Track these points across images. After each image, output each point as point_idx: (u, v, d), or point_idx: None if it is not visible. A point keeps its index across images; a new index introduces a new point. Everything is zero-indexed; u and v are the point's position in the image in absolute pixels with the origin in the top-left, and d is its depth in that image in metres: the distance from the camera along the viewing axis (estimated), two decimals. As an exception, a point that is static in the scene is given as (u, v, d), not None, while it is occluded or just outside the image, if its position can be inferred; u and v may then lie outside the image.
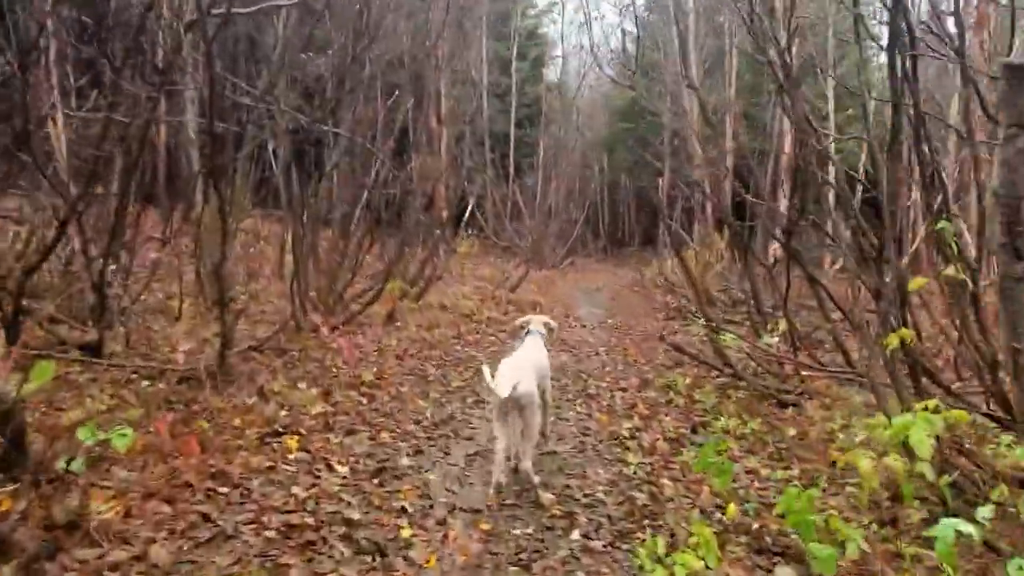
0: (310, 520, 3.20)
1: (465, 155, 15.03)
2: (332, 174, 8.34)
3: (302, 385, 5.48)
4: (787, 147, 12.40)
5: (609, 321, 10.98)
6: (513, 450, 3.82)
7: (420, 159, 11.97)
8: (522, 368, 3.95)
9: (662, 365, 7.27)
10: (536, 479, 3.77)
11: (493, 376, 3.80)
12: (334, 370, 5.94)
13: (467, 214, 16.78)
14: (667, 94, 19.75)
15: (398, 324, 8.36)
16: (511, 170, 24.88)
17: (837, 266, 16.92)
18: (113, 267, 5.86)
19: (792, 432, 4.82)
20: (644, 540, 3.16)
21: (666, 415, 5.35)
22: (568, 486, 3.93)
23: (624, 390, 6.21)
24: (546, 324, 4.84)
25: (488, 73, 24.23)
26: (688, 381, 6.10)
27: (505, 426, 3.77)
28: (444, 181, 13.07)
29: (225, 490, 3.40)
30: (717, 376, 6.53)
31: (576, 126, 26.41)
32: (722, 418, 5.09)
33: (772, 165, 16.90)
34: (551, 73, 32.97)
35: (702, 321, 5.82)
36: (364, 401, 5.37)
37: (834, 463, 4.06)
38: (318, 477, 3.76)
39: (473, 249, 17.72)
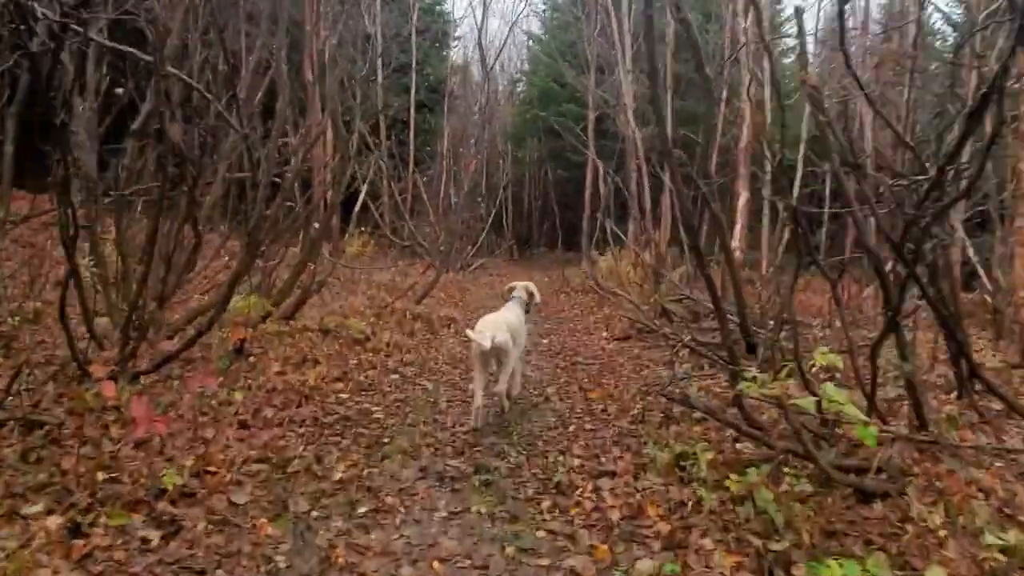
0: None
1: (354, 128, 12.17)
2: (147, 133, 5.64)
3: (35, 508, 2.96)
4: (744, 130, 10.81)
5: (545, 341, 8.84)
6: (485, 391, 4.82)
7: (304, 133, 9.36)
8: (498, 324, 4.91)
9: (644, 419, 5.18)
10: (507, 403, 5.04)
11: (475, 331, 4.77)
12: (109, 467, 3.39)
13: (357, 204, 14.13)
14: (594, 69, 17.88)
15: (253, 359, 5.82)
16: (411, 159, 22.34)
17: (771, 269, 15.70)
18: None
19: None
20: None
21: (702, 535, 3.22)
22: None
23: (612, 475, 4.03)
24: (527, 289, 5.66)
25: (382, 45, 21.58)
26: (710, 456, 4.01)
27: (483, 373, 4.83)
28: (327, 158, 10.39)
29: None
30: (736, 439, 4.53)
31: (480, 110, 24.19)
32: (810, 548, 3.01)
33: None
34: (456, 55, 30.85)
35: (755, 372, 3.71)
36: (154, 540, 2.89)
37: None
38: None
39: (367, 249, 15.17)
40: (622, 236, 13.37)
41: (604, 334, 9.31)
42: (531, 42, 30.52)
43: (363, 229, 18.91)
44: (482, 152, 22.97)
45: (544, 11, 30.16)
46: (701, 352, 6.71)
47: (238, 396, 4.79)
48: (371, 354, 6.80)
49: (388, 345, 7.22)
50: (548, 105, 24.74)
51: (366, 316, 8.34)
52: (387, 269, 12.92)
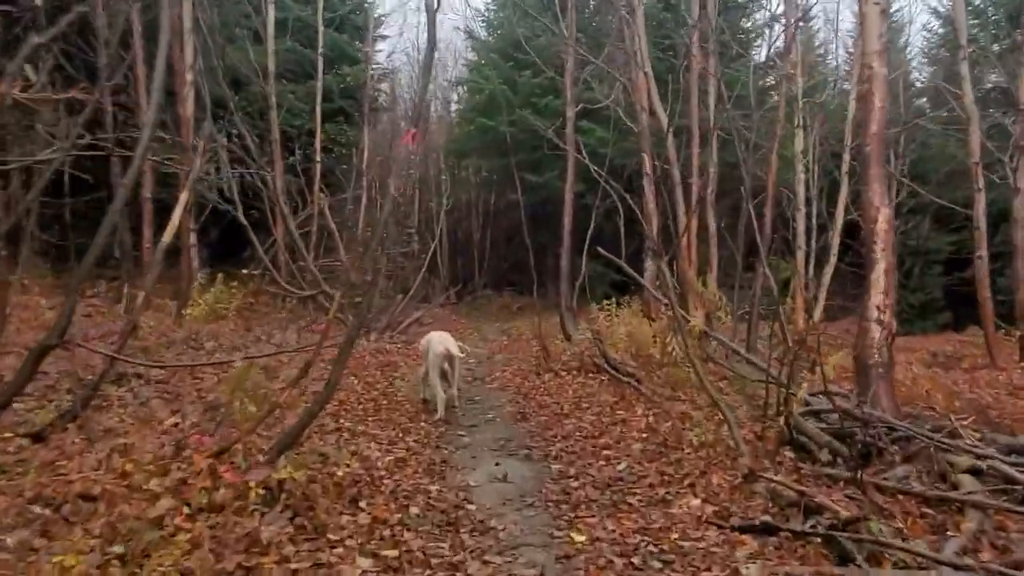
0: None
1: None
2: None
3: None
4: (876, 102, 6.47)
5: (581, 539, 3.98)
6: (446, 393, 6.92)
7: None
8: (452, 339, 7.28)
9: None
10: (457, 402, 7.15)
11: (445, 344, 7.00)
12: None
13: (184, 214, 8.88)
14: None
15: None
16: (316, 178, 17.29)
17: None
18: None
19: None
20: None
21: None
22: None
23: None
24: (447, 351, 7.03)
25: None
26: None
27: (444, 378, 6.90)
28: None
29: None
30: None
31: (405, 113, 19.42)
32: None
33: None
34: (379, 56, 26.10)
35: None
36: None
37: None
38: None
39: (234, 303, 10.03)
40: (642, 281, 8.73)
41: (695, 500, 4.50)
42: (472, 43, 26.00)
43: (247, 271, 13.76)
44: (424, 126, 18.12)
45: (487, 10, 25.85)
46: None
47: None
48: None
49: None
50: (497, 114, 20.25)
51: (131, 519, 3.28)
52: (271, 335, 7.75)
